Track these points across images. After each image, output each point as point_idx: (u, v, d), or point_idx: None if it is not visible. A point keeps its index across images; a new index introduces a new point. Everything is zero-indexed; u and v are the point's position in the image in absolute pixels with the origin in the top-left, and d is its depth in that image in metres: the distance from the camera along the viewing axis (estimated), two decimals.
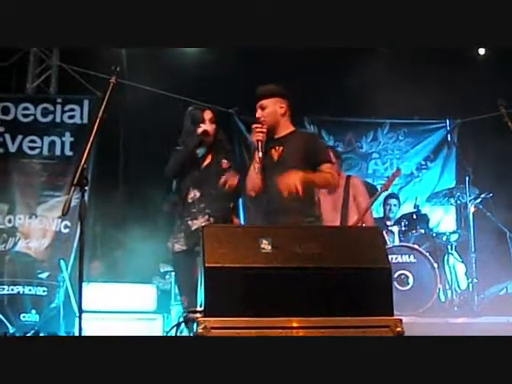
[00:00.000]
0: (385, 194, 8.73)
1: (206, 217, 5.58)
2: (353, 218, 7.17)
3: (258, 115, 5.39)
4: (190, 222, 5.58)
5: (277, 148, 5.38)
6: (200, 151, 5.72)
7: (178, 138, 5.82)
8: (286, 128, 5.47)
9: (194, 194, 5.62)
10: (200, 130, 5.64)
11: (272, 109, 5.40)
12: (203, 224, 5.48)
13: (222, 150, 5.81)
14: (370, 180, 10.20)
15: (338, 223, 6.99)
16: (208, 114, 5.75)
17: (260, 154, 5.27)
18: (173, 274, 7.96)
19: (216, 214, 5.60)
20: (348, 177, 7.45)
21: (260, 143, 5.27)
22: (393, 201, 9.22)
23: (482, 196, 8.37)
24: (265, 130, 5.31)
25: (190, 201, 5.61)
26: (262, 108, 5.39)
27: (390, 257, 4.70)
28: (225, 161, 5.72)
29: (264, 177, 5.36)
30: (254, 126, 5.34)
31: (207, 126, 5.68)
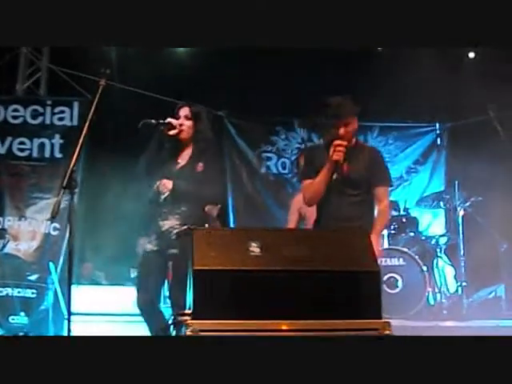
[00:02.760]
0: None
1: (177, 216, 5.53)
2: None
3: (342, 132, 5.34)
4: (160, 223, 5.53)
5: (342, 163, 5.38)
6: (169, 145, 5.68)
7: None
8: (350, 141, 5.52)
9: (166, 193, 5.57)
10: (163, 124, 5.57)
11: (353, 127, 5.43)
12: (174, 225, 5.50)
13: (201, 151, 5.69)
14: None
15: None
16: (184, 111, 5.67)
17: (335, 176, 5.34)
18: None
19: (186, 216, 5.52)
20: None
21: (338, 163, 5.30)
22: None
23: (472, 199, 8.40)
24: (344, 150, 5.30)
25: (161, 200, 5.56)
26: (347, 125, 5.38)
27: (379, 260, 4.72)
28: (200, 164, 5.62)
29: (326, 191, 5.42)
30: (338, 143, 5.29)
31: (178, 121, 5.62)
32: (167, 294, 5.85)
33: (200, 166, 5.59)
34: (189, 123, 5.64)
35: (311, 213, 7.03)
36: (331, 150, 5.33)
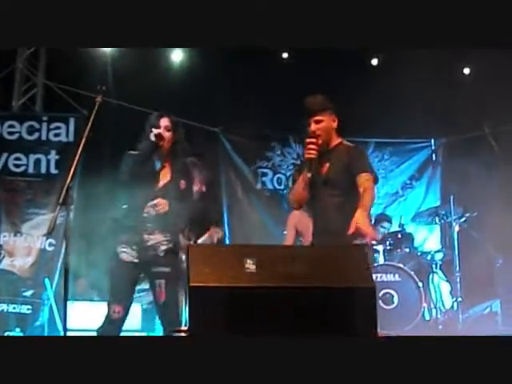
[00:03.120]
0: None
1: (162, 232, 5.54)
2: None
3: (313, 128, 5.27)
4: (145, 236, 5.50)
5: (324, 163, 5.31)
6: (156, 161, 5.65)
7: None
8: (334, 141, 5.39)
9: (149, 210, 5.53)
10: (152, 135, 5.54)
11: (327, 123, 5.31)
12: (161, 241, 5.52)
13: (182, 167, 5.74)
14: None
15: None
16: (164, 122, 5.64)
17: (309, 175, 5.22)
18: None
19: (170, 233, 5.58)
20: None
21: (311, 162, 5.21)
22: (387, 224, 9.22)
23: (467, 215, 8.44)
24: (317, 148, 5.21)
25: (145, 215, 5.53)
26: (318, 122, 5.27)
27: (374, 275, 4.72)
28: (183, 181, 5.65)
29: (311, 192, 5.32)
30: (308, 141, 5.23)
31: (161, 131, 5.59)
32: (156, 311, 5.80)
33: (183, 184, 5.64)
34: (169, 134, 5.63)
35: (308, 228, 7.04)
36: (304, 149, 5.29)
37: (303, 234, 7.21)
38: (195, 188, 6.44)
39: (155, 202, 5.50)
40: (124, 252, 5.50)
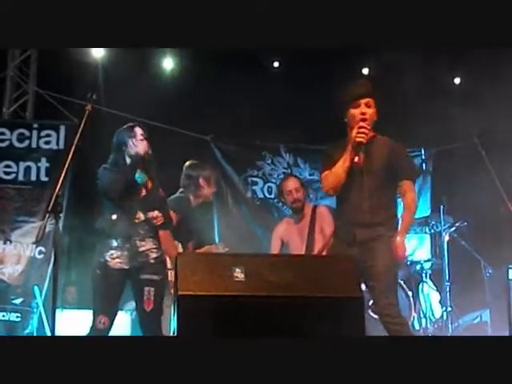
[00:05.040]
0: None
1: (152, 240, 5.57)
2: (318, 247, 6.96)
3: (364, 111, 4.95)
4: (138, 243, 5.50)
5: (359, 154, 4.97)
6: (138, 175, 5.63)
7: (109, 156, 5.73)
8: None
9: (140, 216, 5.54)
10: (133, 151, 5.55)
11: (374, 111, 5.02)
12: (151, 248, 5.54)
13: (155, 174, 5.75)
14: None
15: (303, 252, 6.89)
16: (139, 130, 5.63)
17: (356, 159, 4.93)
18: None
19: (158, 240, 5.62)
20: (315, 206, 7.33)
21: (361, 145, 4.90)
22: None
23: (457, 224, 8.43)
24: (368, 132, 4.91)
25: (136, 221, 5.54)
26: (368, 106, 4.98)
27: (363, 285, 4.73)
28: (161, 190, 5.73)
29: (347, 179, 4.98)
30: (361, 124, 4.89)
31: (138, 144, 5.58)
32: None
33: (161, 192, 5.72)
34: (144, 143, 5.63)
35: (293, 240, 7.04)
36: (353, 132, 4.92)
37: (289, 244, 7.17)
38: (206, 191, 6.65)
39: (152, 214, 5.53)
40: (113, 259, 5.47)
